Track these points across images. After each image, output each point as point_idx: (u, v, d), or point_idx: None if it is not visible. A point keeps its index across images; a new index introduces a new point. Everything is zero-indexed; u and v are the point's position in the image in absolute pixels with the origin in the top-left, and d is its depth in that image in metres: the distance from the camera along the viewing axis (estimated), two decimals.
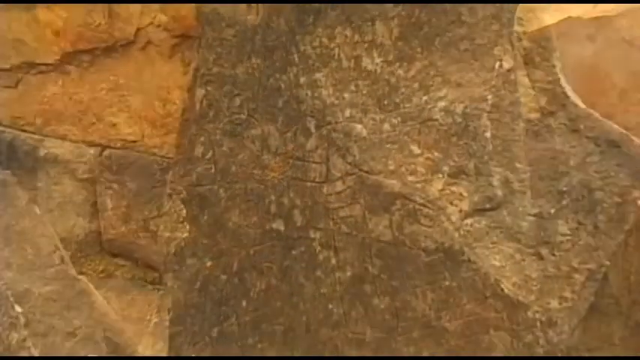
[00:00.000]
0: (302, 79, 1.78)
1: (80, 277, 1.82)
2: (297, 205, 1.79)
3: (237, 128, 1.89)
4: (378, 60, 1.70)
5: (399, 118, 1.67)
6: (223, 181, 1.92)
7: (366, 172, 1.69)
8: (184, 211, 2.01)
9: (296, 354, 1.78)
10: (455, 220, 1.59)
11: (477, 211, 1.59)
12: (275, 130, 1.82)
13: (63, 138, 2.69)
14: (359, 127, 1.70)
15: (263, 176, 1.84)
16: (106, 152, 2.64)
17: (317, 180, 1.76)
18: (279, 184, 1.82)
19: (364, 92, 1.71)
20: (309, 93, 1.76)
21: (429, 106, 1.64)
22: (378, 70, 1.70)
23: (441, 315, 1.61)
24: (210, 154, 1.93)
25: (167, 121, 2.46)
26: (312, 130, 1.75)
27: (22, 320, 1.64)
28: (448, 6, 1.64)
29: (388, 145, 1.67)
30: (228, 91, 1.92)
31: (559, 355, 1.51)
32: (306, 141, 1.77)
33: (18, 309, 1.65)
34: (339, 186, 1.72)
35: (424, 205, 1.62)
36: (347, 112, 1.72)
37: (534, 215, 1.57)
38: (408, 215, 1.63)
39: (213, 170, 1.93)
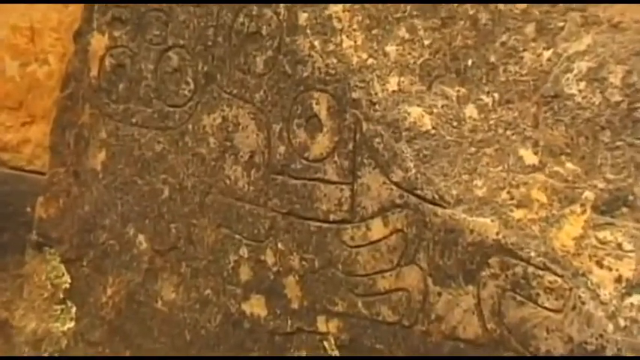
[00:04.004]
0: (301, 18, 1.74)
1: None
2: (291, 268, 1.76)
3: (174, 114, 1.83)
4: None
5: (496, 95, 1.65)
6: (146, 218, 1.82)
7: (431, 201, 1.65)
8: (67, 280, 1.88)
9: None
10: (607, 297, 1.53)
11: None
12: (249, 116, 1.79)
13: None
14: (417, 112, 1.68)
15: (225, 208, 1.77)
16: None
17: (332, 218, 1.73)
18: (257, 223, 1.77)
19: (425, 43, 1.70)
20: (318, 45, 1.73)
21: (556, 72, 1.61)
22: None
23: None
24: (119, 164, 1.84)
25: (30, 97, 2.35)
26: (323, 116, 1.72)
27: None
28: None
29: (474, 149, 1.65)
30: (155, 39, 1.83)
31: None
32: (310, 139, 1.74)
33: None
34: (376, 229, 1.69)
35: (546, 269, 1.56)
36: (392, 83, 1.69)
37: None
38: (514, 288, 1.59)
39: (124, 197, 1.84)
